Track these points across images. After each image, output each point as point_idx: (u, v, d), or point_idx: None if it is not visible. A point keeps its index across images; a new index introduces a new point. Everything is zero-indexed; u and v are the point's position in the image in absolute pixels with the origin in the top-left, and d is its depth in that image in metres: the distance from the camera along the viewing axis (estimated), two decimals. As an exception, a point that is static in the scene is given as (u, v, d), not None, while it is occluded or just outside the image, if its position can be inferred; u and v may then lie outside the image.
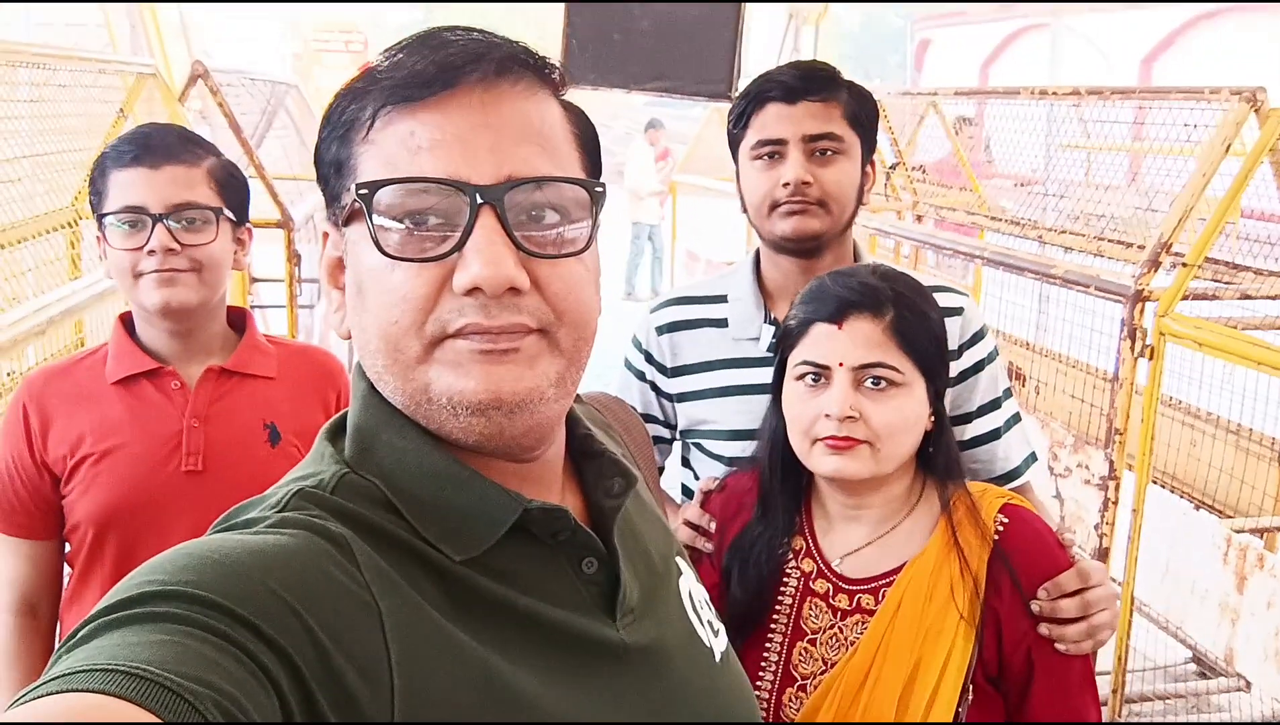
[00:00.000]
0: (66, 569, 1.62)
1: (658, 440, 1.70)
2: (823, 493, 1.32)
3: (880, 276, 1.26)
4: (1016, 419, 1.62)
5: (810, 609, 1.28)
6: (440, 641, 0.64)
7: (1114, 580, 2.97)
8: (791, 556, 1.32)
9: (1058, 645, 1.23)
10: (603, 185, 0.73)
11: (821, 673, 1.25)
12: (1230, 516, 2.96)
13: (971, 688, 1.21)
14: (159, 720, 0.47)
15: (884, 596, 1.25)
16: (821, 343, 1.24)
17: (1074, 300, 3.51)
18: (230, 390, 1.59)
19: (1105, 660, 3.05)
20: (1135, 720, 3.03)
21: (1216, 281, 3.05)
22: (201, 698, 0.49)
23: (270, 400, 1.61)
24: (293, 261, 3.89)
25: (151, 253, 1.48)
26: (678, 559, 0.88)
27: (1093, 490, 2.98)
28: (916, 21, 19.86)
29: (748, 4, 4.89)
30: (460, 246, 0.66)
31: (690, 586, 0.87)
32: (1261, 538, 2.82)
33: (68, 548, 1.60)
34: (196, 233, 1.52)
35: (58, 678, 0.49)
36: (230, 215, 1.57)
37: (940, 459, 1.29)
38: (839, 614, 1.27)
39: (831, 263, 1.54)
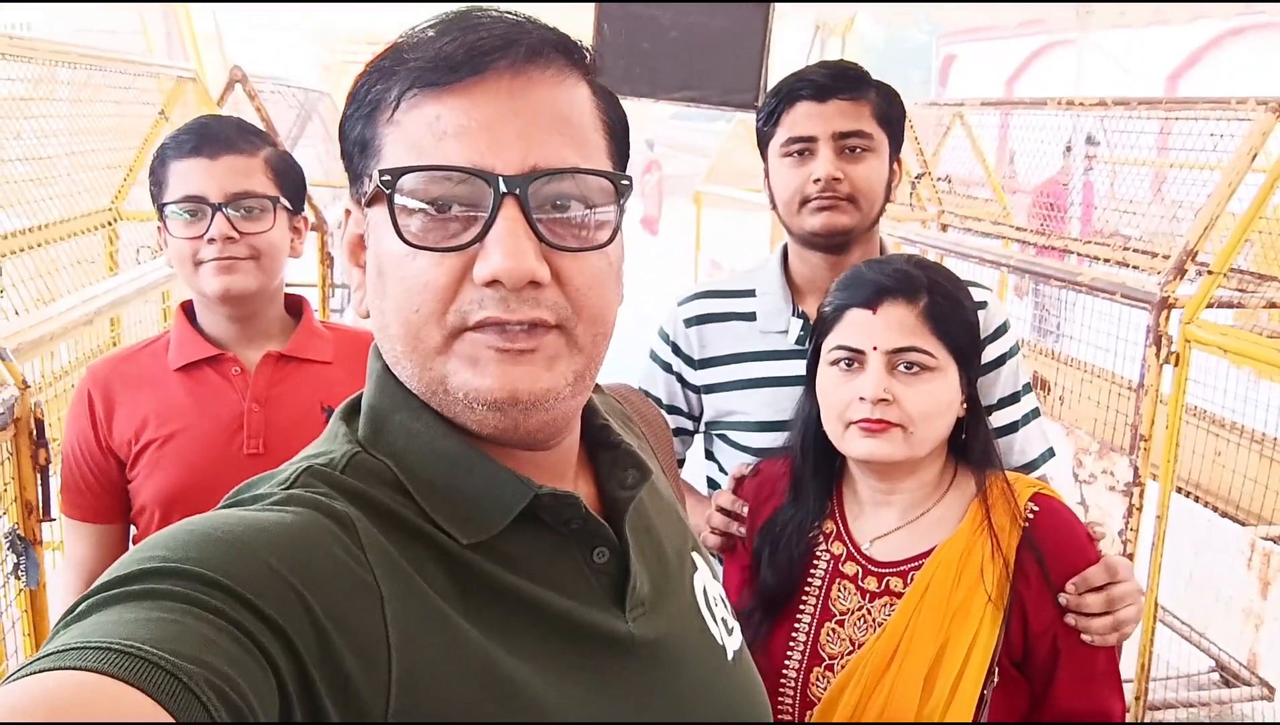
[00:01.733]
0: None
1: (680, 432, 1.73)
2: (855, 477, 1.36)
3: (915, 265, 1.30)
4: (1035, 414, 1.64)
5: (839, 591, 1.31)
6: (441, 627, 0.63)
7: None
8: (822, 539, 1.35)
9: (1083, 637, 1.25)
10: (629, 177, 0.72)
11: (849, 653, 1.28)
12: (1255, 525, 2.96)
13: (997, 671, 1.24)
14: (151, 699, 0.46)
15: (912, 579, 1.28)
16: (856, 327, 1.28)
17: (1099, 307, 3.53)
18: (288, 374, 1.62)
19: (1128, 667, 3.05)
20: (1158, 727, 3.04)
21: (1242, 291, 3.06)
22: (196, 677, 0.48)
23: (327, 383, 1.64)
24: (325, 264, 3.96)
25: (211, 241, 1.53)
26: (694, 554, 0.87)
27: (1117, 497, 2.98)
28: (941, 37, 19.84)
29: (775, 16, 4.95)
30: (482, 237, 0.65)
31: (705, 583, 0.86)
32: (1285, 546, 2.82)
33: (134, 530, 1.64)
34: (255, 221, 1.56)
35: (52, 654, 0.49)
36: (286, 204, 1.61)
37: (976, 445, 1.32)
38: (867, 596, 1.30)
39: (859, 258, 1.57)
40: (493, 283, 0.65)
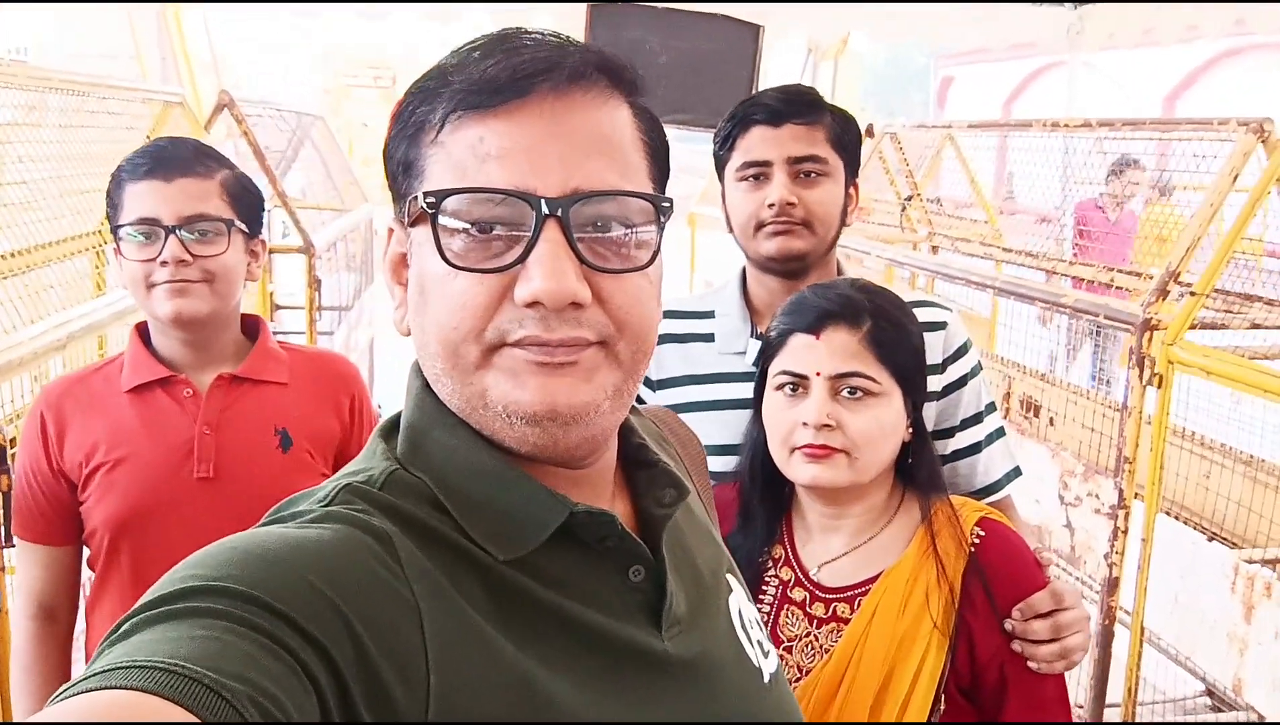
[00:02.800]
0: (89, 572, 1.65)
1: None
2: (803, 503, 1.35)
3: (858, 289, 1.29)
4: (1000, 433, 1.63)
5: (787, 617, 1.30)
6: (479, 642, 0.64)
7: (1124, 609, 2.97)
8: (771, 565, 1.34)
9: (1030, 664, 1.24)
10: (670, 199, 0.72)
11: (796, 680, 1.26)
12: (1241, 547, 2.94)
13: (944, 698, 1.23)
14: (196, 718, 0.47)
15: (859, 605, 1.26)
16: (800, 353, 1.27)
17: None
18: (241, 396, 1.62)
19: (1115, 692, 3.04)
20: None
21: (1229, 312, 3.05)
22: (239, 695, 0.49)
23: (282, 406, 1.63)
24: (313, 287, 3.96)
25: (164, 264, 1.52)
26: (728, 576, 0.87)
27: (1103, 519, 2.97)
28: (939, 59, 19.96)
29: (765, 39, 4.98)
30: (524, 258, 0.66)
31: (740, 605, 0.86)
32: (1274, 569, 2.80)
33: (87, 552, 1.63)
34: (208, 244, 1.55)
35: (98, 674, 0.50)
36: (243, 227, 1.60)
37: (921, 470, 1.31)
38: (815, 622, 1.28)
39: (816, 281, 1.56)
40: (534, 304, 0.66)
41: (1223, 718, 3.19)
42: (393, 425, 0.77)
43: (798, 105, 1.54)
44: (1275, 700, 2.40)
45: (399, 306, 0.76)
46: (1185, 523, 3.16)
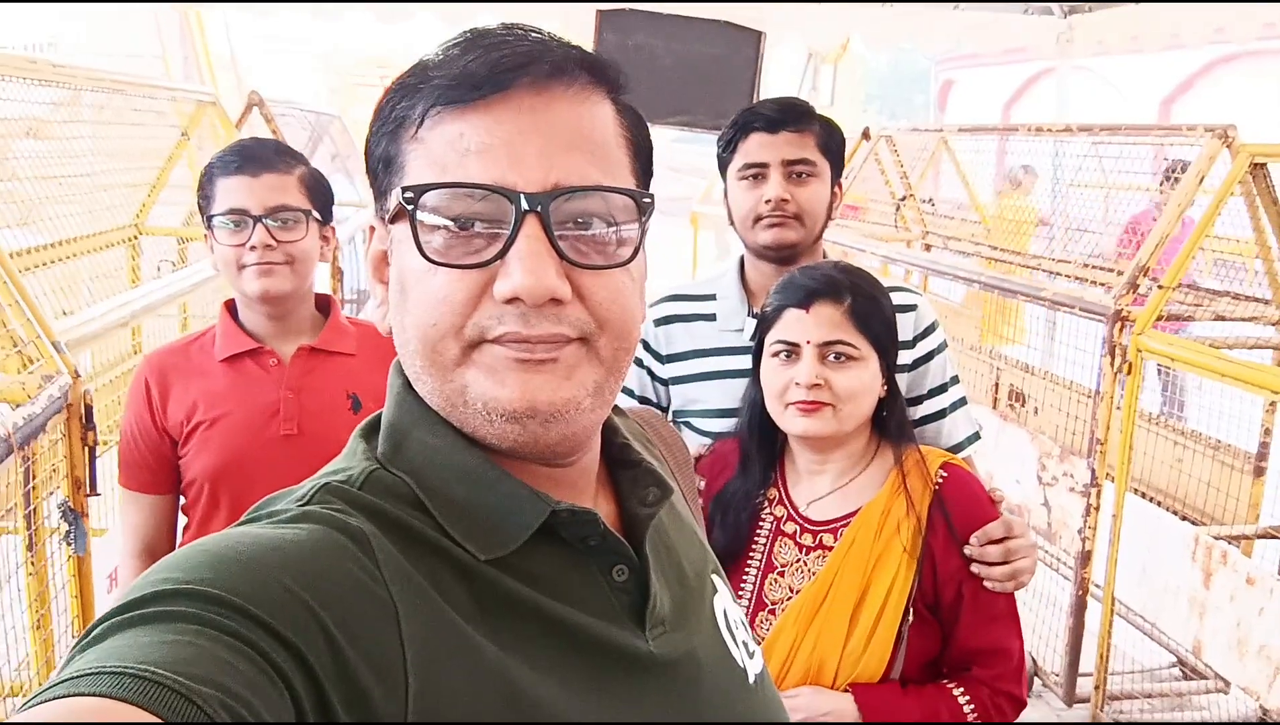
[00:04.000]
0: (182, 518, 1.88)
1: None
2: (793, 451, 1.57)
3: (840, 270, 1.52)
4: (962, 402, 1.86)
5: (780, 547, 1.53)
6: (459, 643, 0.63)
7: (1096, 585, 3.18)
8: (766, 504, 1.56)
9: (985, 583, 1.46)
10: (651, 195, 0.71)
11: (788, 599, 1.49)
12: (1207, 524, 3.16)
13: (912, 611, 1.45)
14: (164, 723, 0.47)
15: (841, 535, 1.49)
16: (792, 325, 1.49)
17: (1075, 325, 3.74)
18: (318, 365, 1.84)
19: (1088, 661, 3.25)
20: (1119, 719, 3.22)
21: (1198, 306, 3.26)
22: (210, 700, 0.48)
23: (352, 373, 1.85)
24: (335, 278, 4.19)
25: (253, 248, 1.74)
26: (713, 577, 0.86)
27: (1077, 497, 3.18)
28: (940, 63, 20.19)
29: (766, 44, 5.19)
30: (503, 254, 0.65)
31: (725, 605, 0.85)
32: (1238, 544, 3.01)
33: (183, 500, 1.85)
34: (290, 231, 1.77)
35: (68, 680, 0.49)
36: (317, 216, 1.83)
37: (893, 422, 1.54)
38: (804, 549, 1.51)
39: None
40: (513, 300, 0.65)
41: (1192, 685, 3.40)
42: (373, 425, 0.76)
43: (792, 115, 1.78)
44: (1231, 658, 2.62)
45: (381, 304, 0.75)
46: (1159, 504, 3.38)
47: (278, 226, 1.77)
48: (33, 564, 1.82)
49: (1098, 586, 3.15)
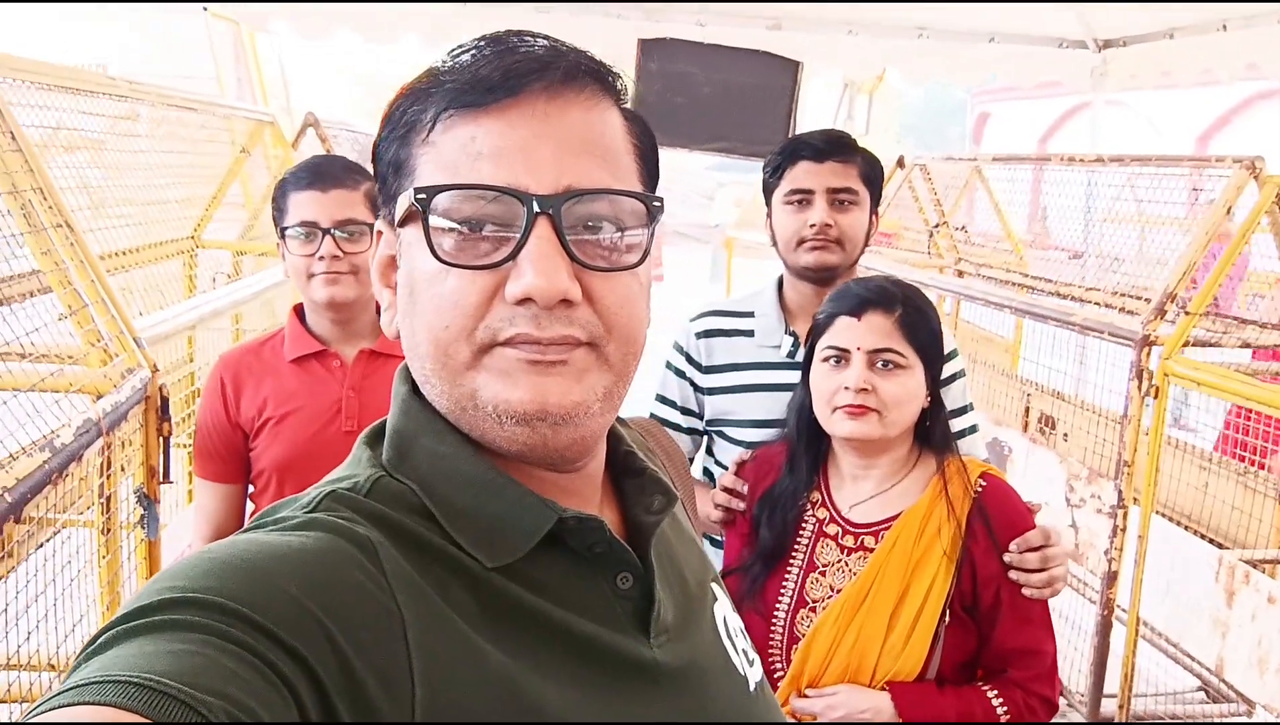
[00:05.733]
0: (250, 505, 2.02)
1: (692, 432, 2.05)
2: (838, 455, 1.66)
3: (891, 283, 1.62)
4: (973, 429, 1.96)
5: (823, 547, 1.61)
6: (465, 651, 0.63)
7: (1120, 608, 3.23)
8: (809, 506, 1.65)
9: (1023, 590, 1.54)
10: (660, 199, 0.72)
11: (829, 597, 1.57)
12: (1229, 548, 3.21)
13: (949, 613, 1.53)
14: None
15: (882, 537, 1.57)
16: (843, 331, 1.59)
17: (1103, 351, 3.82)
18: (378, 367, 1.97)
19: (1112, 682, 3.30)
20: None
21: (1225, 332, 3.32)
22: (215, 709, 0.48)
23: None
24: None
25: (321, 258, 1.88)
26: (713, 585, 0.87)
27: (1104, 519, 3.24)
28: (976, 95, 20.26)
29: (804, 74, 5.30)
30: (515, 255, 0.66)
31: (725, 614, 0.86)
32: (1263, 569, 3.06)
33: (251, 488, 1.99)
34: (355, 242, 1.91)
35: (73, 688, 0.49)
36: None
37: (936, 431, 1.63)
38: (846, 551, 1.59)
39: None
40: (525, 301, 0.66)
41: (1217, 709, 3.44)
42: (378, 432, 0.76)
43: (837, 146, 1.90)
44: (1251, 676, 2.67)
45: (388, 308, 0.76)
46: (1185, 528, 3.43)
47: (344, 238, 1.89)
48: (105, 549, 1.93)
49: (1123, 609, 3.20)
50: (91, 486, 1.88)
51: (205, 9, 5.26)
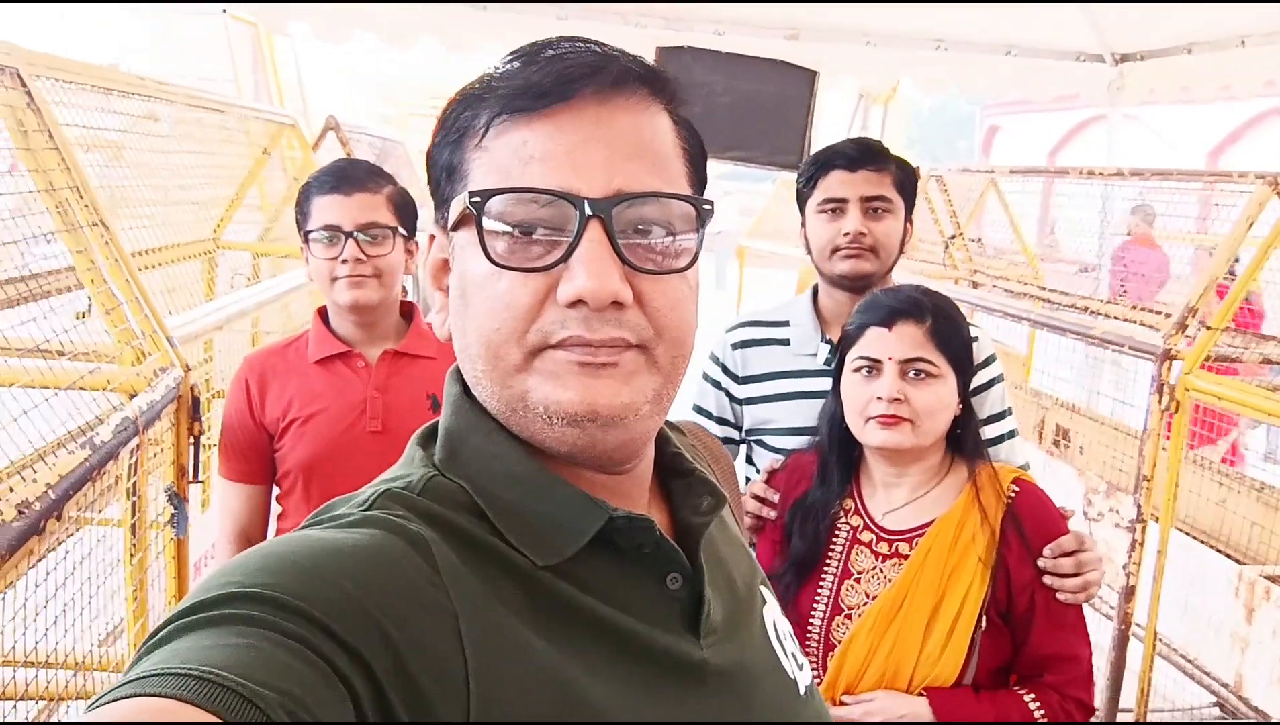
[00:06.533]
0: (275, 507, 2.02)
1: (728, 441, 2.05)
2: (870, 463, 1.66)
3: (921, 292, 1.62)
4: (1013, 434, 1.95)
5: (857, 554, 1.61)
6: (517, 648, 0.63)
7: (1138, 624, 3.22)
8: (843, 514, 1.65)
9: (1058, 595, 1.54)
10: (710, 202, 0.73)
11: (864, 604, 1.57)
12: (1249, 564, 3.20)
13: (985, 619, 1.53)
14: None
15: (916, 544, 1.57)
16: (875, 342, 1.59)
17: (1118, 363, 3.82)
18: (402, 368, 1.98)
19: (1128, 696, 3.29)
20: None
21: (1245, 348, 3.32)
22: (270, 702, 0.49)
23: (433, 375, 1.99)
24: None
25: (344, 261, 1.89)
26: (761, 588, 0.87)
27: (1122, 533, 3.24)
28: (986, 108, 20.28)
29: (820, 84, 5.30)
30: (566, 258, 0.67)
31: (775, 617, 0.86)
32: (1276, 583, 3.06)
33: (276, 490, 2.00)
34: (379, 246, 1.92)
35: (133, 680, 0.50)
36: (403, 231, 1.96)
37: (968, 438, 1.63)
38: (880, 558, 1.59)
39: None
40: (576, 303, 0.66)
41: (1228, 721, 3.42)
42: (431, 432, 0.77)
43: (870, 154, 1.90)
44: (1273, 692, 2.66)
45: (439, 311, 0.77)
46: (1204, 544, 3.43)
47: (367, 241, 1.90)
48: (134, 548, 1.94)
49: (1140, 626, 3.20)
50: (123, 485, 1.88)
51: (225, 10, 5.28)
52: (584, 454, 0.70)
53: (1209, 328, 2.99)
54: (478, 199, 0.68)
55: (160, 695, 0.48)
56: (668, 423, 0.86)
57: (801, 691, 0.82)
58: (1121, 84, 5.46)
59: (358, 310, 1.93)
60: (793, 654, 0.85)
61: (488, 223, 0.68)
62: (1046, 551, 1.54)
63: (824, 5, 4.71)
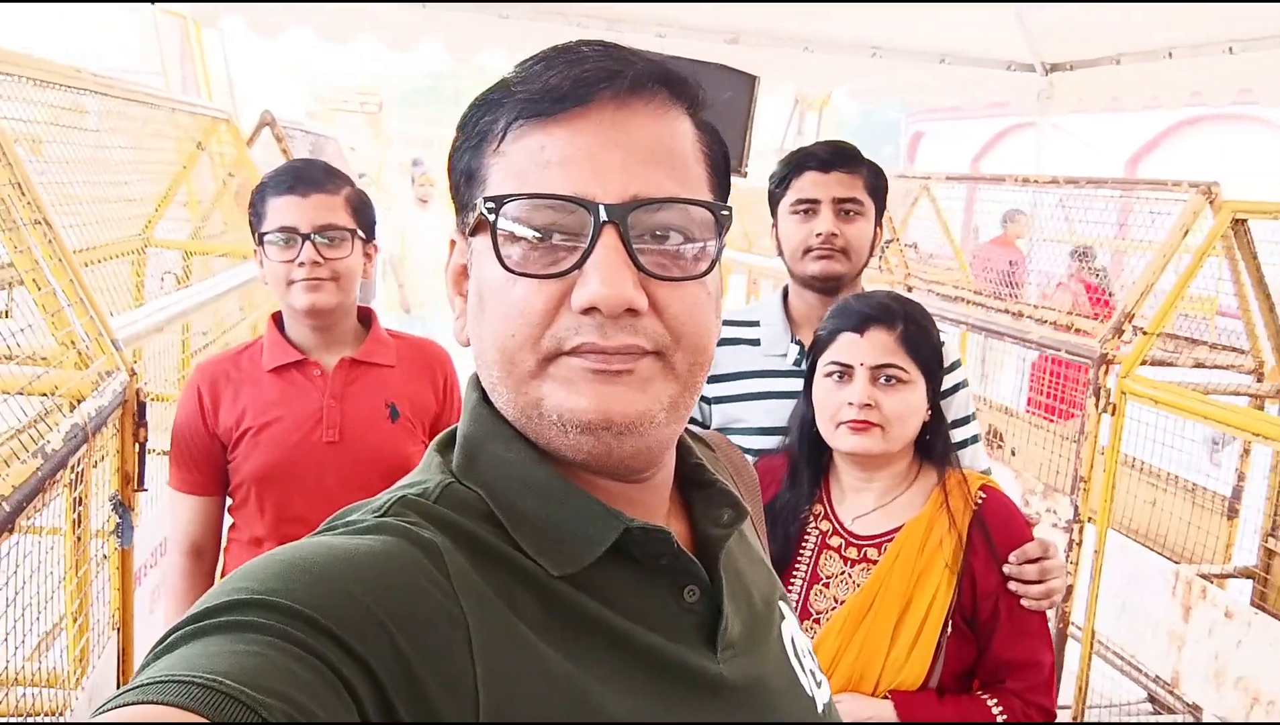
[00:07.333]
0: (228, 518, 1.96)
1: None
2: (839, 468, 1.66)
3: (892, 298, 1.62)
4: (976, 439, 1.98)
5: (826, 559, 1.61)
6: (529, 658, 0.62)
7: (1075, 625, 3.29)
8: (812, 519, 1.65)
9: (1022, 601, 1.56)
10: (729, 208, 0.72)
11: (832, 609, 1.58)
12: (1182, 563, 3.29)
13: (950, 624, 1.54)
14: None
15: (885, 549, 1.58)
16: (847, 347, 1.59)
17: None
18: (359, 376, 1.93)
19: (1066, 694, 3.35)
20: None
21: (1178, 353, 3.41)
22: (274, 710, 0.49)
23: (390, 384, 1.95)
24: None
25: (301, 265, 1.83)
26: (780, 604, 0.86)
27: (1060, 533, 3.30)
28: (911, 115, 20.62)
29: (760, 88, 5.33)
30: (581, 264, 0.66)
31: (794, 633, 0.85)
32: (1214, 583, 3.15)
33: (229, 502, 1.94)
34: (336, 248, 1.87)
35: (138, 687, 0.50)
36: (361, 234, 1.92)
37: (937, 444, 1.64)
38: (849, 563, 1.60)
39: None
40: (590, 310, 0.66)
41: (1163, 718, 3.51)
42: (449, 438, 0.76)
43: (844, 157, 1.91)
44: (1209, 690, 2.73)
45: (459, 317, 0.76)
46: (1137, 543, 3.51)
47: (325, 244, 1.85)
48: (77, 557, 1.87)
49: (1077, 627, 3.27)
50: (68, 494, 1.81)
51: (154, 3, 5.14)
52: (599, 462, 0.69)
53: (1145, 332, 3.07)
54: (492, 205, 0.67)
55: (163, 703, 0.48)
56: (691, 433, 0.85)
57: (820, 709, 0.81)
58: (1051, 93, 5.59)
59: (315, 314, 1.88)
60: (811, 671, 0.83)
61: (503, 227, 0.67)
62: (1012, 558, 1.56)
63: (764, 7, 4.73)
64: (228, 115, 3.92)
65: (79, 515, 1.80)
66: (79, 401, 1.72)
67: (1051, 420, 3.89)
